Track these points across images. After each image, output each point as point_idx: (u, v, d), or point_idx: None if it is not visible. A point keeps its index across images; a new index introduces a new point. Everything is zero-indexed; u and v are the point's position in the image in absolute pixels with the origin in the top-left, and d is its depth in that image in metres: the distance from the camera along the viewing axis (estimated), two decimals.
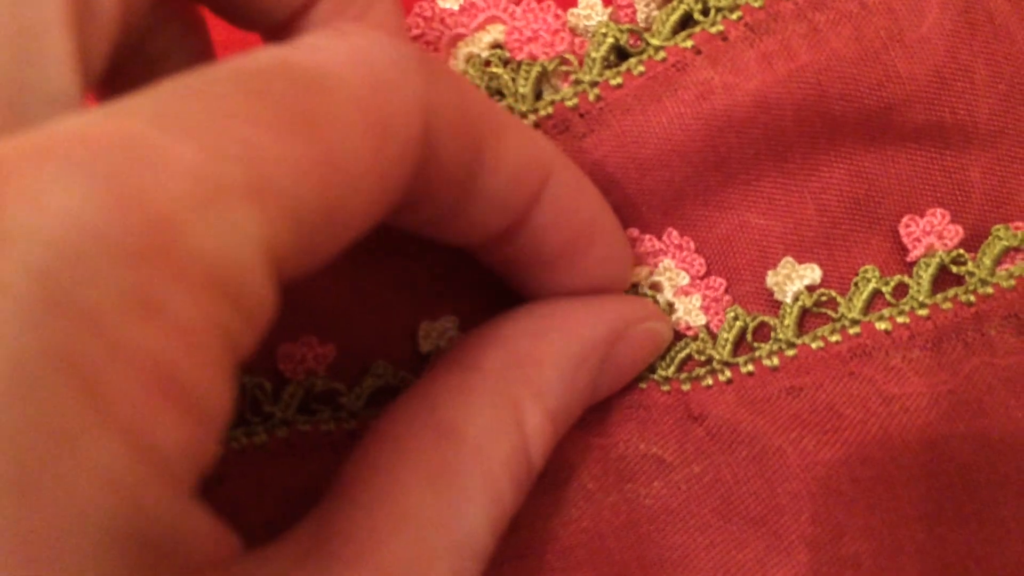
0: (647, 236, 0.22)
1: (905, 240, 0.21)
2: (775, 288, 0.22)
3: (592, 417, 0.21)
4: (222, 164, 0.12)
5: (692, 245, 0.22)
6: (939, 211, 0.21)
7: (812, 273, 0.22)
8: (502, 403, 0.18)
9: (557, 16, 0.21)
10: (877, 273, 0.21)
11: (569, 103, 0.21)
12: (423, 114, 0.15)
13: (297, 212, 0.13)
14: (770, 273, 0.22)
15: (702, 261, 0.22)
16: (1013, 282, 0.21)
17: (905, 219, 0.21)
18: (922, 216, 0.22)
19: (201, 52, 0.19)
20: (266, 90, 0.13)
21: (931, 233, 0.21)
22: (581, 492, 0.21)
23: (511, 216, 0.18)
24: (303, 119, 0.13)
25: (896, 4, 0.21)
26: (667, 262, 0.22)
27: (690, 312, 0.21)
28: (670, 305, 0.22)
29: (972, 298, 0.21)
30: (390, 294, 0.21)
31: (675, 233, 0.21)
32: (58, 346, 0.11)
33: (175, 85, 0.13)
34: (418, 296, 0.22)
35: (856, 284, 0.22)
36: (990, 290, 0.21)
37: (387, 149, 0.14)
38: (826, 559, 0.20)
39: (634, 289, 0.22)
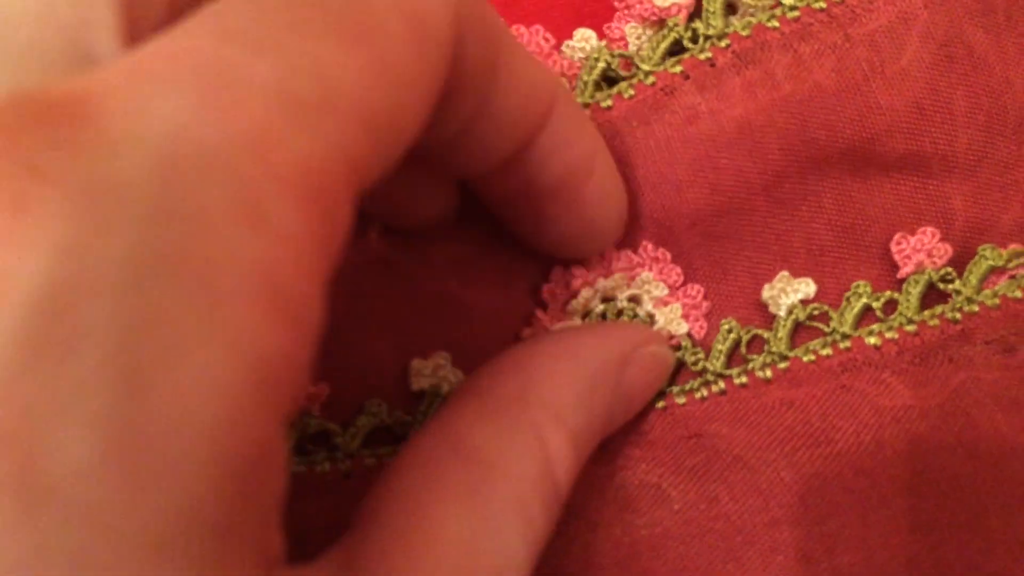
0: (623, 251, 0.22)
1: (896, 257, 0.22)
2: (770, 301, 0.22)
3: None
4: (296, 79, 0.13)
5: (668, 256, 0.22)
6: (929, 229, 0.22)
7: (807, 287, 0.22)
8: (524, 427, 0.18)
9: (547, 39, 0.22)
10: (869, 289, 0.22)
11: None
12: (454, 16, 0.15)
13: (367, 121, 0.13)
14: (766, 287, 0.22)
15: (679, 271, 0.22)
16: (998, 300, 0.22)
17: (896, 236, 0.22)
18: (912, 234, 0.22)
19: None
20: (322, 4, 0.14)
21: (921, 251, 0.22)
22: (584, 523, 0.21)
23: (520, 138, 0.18)
24: (357, 28, 0.14)
25: (878, 36, 0.22)
26: (645, 275, 0.22)
27: (671, 322, 0.22)
28: (651, 316, 0.22)
29: (958, 315, 0.21)
30: (381, 333, 0.22)
31: (650, 246, 0.22)
32: (174, 246, 0.11)
33: (234, 2, 0.13)
34: (408, 334, 0.22)
35: (848, 299, 0.22)
36: (975, 308, 0.22)
37: (427, 50, 0.15)
38: (820, 571, 0.21)
39: (612, 303, 0.22)
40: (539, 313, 0.21)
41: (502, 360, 0.19)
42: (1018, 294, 0.22)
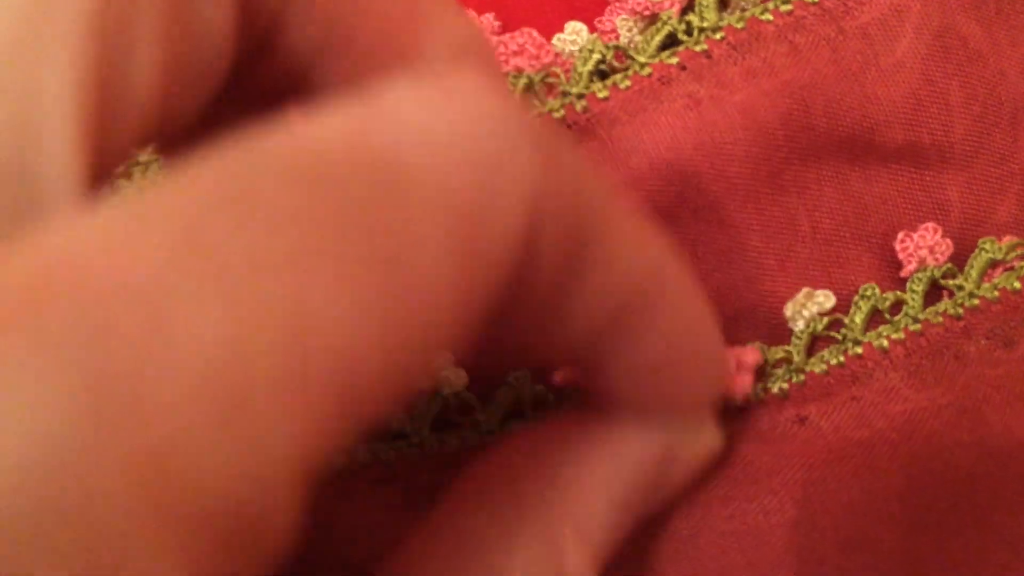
0: None
1: (900, 256, 0.22)
2: (792, 318, 0.21)
3: None
4: (246, 345, 0.09)
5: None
6: (931, 225, 0.22)
7: (825, 300, 0.21)
8: (544, 541, 0.16)
9: (536, 40, 0.22)
10: (877, 291, 0.22)
11: (556, 115, 0.21)
12: (530, 212, 0.11)
13: (356, 391, 0.10)
14: (789, 304, 0.21)
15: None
16: (997, 294, 0.21)
17: (900, 235, 0.22)
18: (915, 231, 0.22)
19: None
20: (334, 206, 0.10)
21: (923, 248, 0.22)
22: None
23: (611, 325, 0.14)
24: (379, 251, 0.10)
25: (872, 29, 0.22)
26: None
27: None
28: None
29: (961, 311, 0.21)
30: None
31: None
32: None
33: (199, 193, 0.10)
34: None
35: (857, 303, 0.22)
36: (976, 302, 0.21)
37: (475, 267, 0.11)
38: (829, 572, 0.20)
39: None
40: None
41: (526, 450, 0.17)
42: (1017, 286, 0.21)
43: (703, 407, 0.18)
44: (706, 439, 0.18)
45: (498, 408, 0.21)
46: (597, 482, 0.16)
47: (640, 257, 0.14)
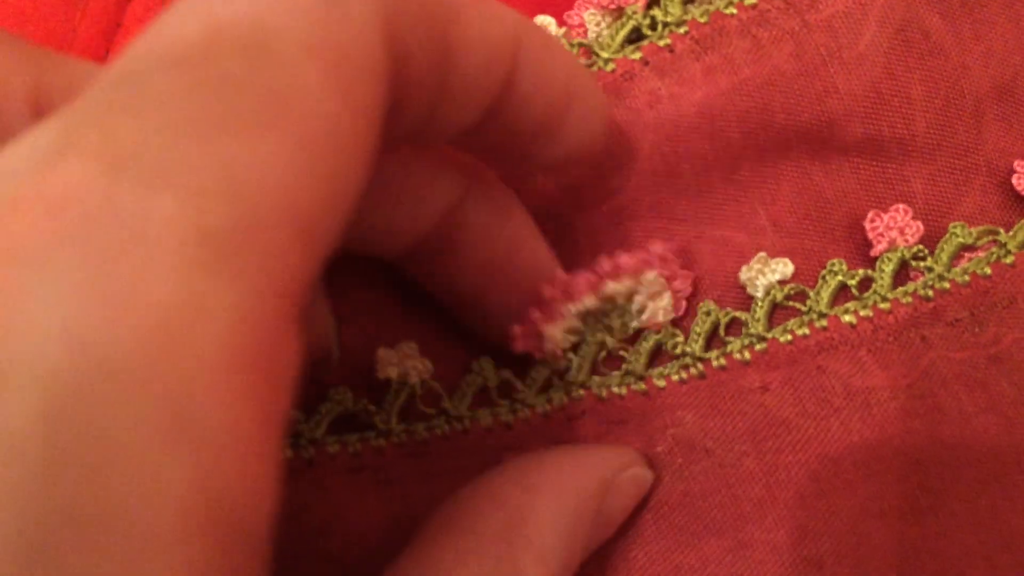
0: (628, 254, 0.21)
1: (870, 235, 0.22)
2: (747, 283, 0.22)
3: (568, 436, 0.21)
4: (209, 210, 0.10)
5: (673, 255, 0.21)
6: (901, 207, 0.22)
7: (784, 267, 0.22)
8: (507, 568, 0.17)
9: None
10: (844, 267, 0.22)
11: None
12: (385, 26, 0.13)
13: (302, 226, 0.11)
14: (743, 268, 0.22)
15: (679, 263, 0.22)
16: (967, 278, 0.22)
17: (870, 214, 0.22)
18: (885, 212, 0.22)
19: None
20: (219, 81, 0.11)
21: (893, 228, 0.22)
22: None
23: (488, 98, 0.16)
24: (270, 103, 0.11)
25: (836, 22, 0.22)
26: (650, 275, 0.21)
27: (659, 311, 0.21)
28: (642, 308, 0.21)
29: (930, 293, 0.21)
30: (349, 320, 0.21)
31: (658, 245, 0.21)
32: (77, 499, 0.09)
33: (112, 99, 0.11)
34: (374, 322, 0.21)
35: (824, 277, 0.22)
36: (947, 285, 0.22)
37: (359, 96, 0.12)
38: (789, 562, 0.21)
39: (611, 302, 0.21)
40: (533, 312, 0.21)
41: (481, 489, 0.19)
42: (988, 271, 0.22)
43: (598, 135, 0.19)
44: (636, 473, 0.21)
45: (465, 395, 0.21)
46: (546, 514, 0.18)
47: (496, 20, 0.15)
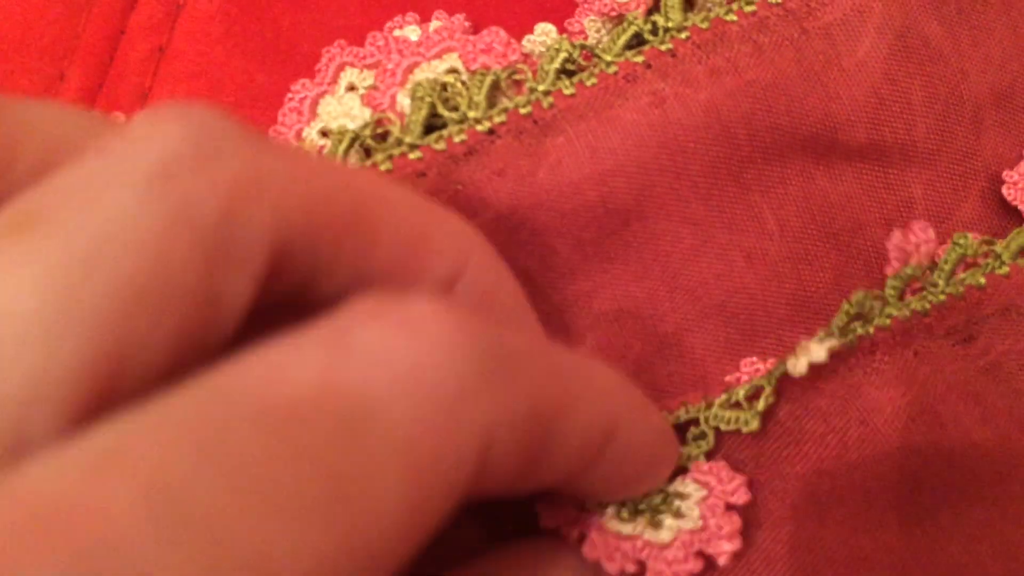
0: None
1: (891, 254, 0.20)
2: (790, 367, 0.20)
3: None
4: None
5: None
6: (922, 223, 0.21)
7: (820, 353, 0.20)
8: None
9: (504, 38, 0.22)
10: (860, 296, 0.20)
11: (523, 111, 0.21)
12: (482, 446, 0.13)
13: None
14: (790, 359, 0.20)
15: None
16: (962, 289, 0.21)
17: (896, 233, 0.20)
18: (908, 229, 0.20)
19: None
20: (299, 450, 0.11)
21: (910, 245, 0.21)
22: None
23: (573, 473, 0.16)
24: (338, 492, 0.11)
25: (834, 30, 0.22)
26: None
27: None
28: None
29: (927, 307, 0.21)
30: None
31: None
32: None
33: (169, 435, 0.11)
34: None
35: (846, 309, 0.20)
36: (943, 298, 0.21)
37: (425, 497, 0.12)
38: (783, 574, 0.20)
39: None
40: None
41: None
42: (982, 281, 0.22)
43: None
44: None
45: None
46: None
47: (600, 412, 0.15)
